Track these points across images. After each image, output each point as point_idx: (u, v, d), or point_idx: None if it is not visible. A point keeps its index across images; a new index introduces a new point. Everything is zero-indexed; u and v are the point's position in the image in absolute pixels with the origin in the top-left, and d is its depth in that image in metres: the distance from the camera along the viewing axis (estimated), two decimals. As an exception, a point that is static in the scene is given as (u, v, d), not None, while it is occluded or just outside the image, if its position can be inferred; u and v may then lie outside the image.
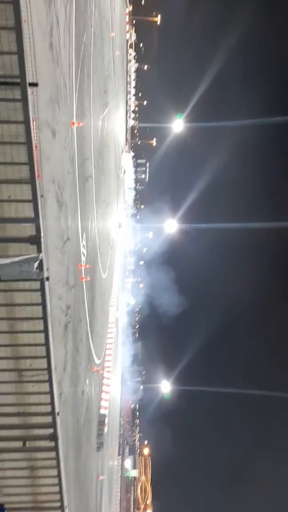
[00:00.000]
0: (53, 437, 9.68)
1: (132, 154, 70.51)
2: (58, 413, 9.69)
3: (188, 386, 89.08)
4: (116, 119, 46.60)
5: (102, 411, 26.96)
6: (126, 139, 72.07)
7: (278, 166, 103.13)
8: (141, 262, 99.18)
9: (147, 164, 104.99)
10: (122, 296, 64.68)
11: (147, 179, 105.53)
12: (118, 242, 49.32)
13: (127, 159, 61.48)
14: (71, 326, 15.92)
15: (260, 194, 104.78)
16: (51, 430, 9.71)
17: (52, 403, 9.51)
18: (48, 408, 9.58)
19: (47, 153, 12.03)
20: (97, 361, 24.37)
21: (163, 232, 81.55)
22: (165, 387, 69.62)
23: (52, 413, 9.60)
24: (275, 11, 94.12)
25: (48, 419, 9.65)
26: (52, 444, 9.77)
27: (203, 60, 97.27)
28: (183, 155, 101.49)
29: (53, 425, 9.64)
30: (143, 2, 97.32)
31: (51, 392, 9.44)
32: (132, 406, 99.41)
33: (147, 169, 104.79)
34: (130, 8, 75.51)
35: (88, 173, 21.02)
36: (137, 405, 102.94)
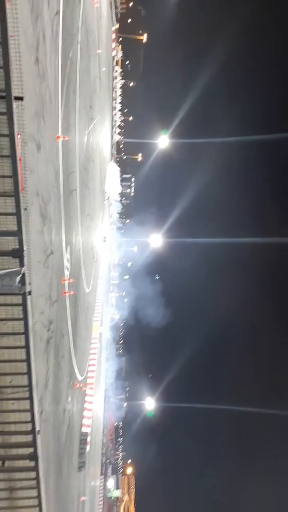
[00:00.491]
0: (33, 457, 9.40)
1: (118, 168, 71.05)
2: (38, 432, 9.44)
3: (173, 403, 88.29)
4: (102, 134, 46.98)
5: (84, 429, 26.41)
6: (112, 153, 72.58)
7: (263, 182, 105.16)
8: (126, 277, 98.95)
9: (133, 179, 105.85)
10: (106, 311, 64.20)
11: (132, 194, 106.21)
12: (103, 256, 49.17)
13: (113, 169, 61.62)
14: (53, 342, 15.65)
15: (245, 209, 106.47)
16: (31, 450, 9.44)
17: (32, 421, 9.27)
18: (28, 427, 9.33)
19: (31, 166, 11.99)
20: (80, 378, 23.96)
21: (148, 247, 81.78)
22: (149, 404, 68.78)
23: (33, 431, 9.34)
24: (260, 31, 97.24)
25: (28, 438, 9.38)
26: (32, 464, 9.49)
27: (188, 78, 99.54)
28: (168, 171, 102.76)
29: (33, 444, 9.38)
30: (129, 21, 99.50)
31: (31, 410, 9.21)
32: (115, 424, 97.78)
33: (133, 184, 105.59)
34: (117, 26, 76.91)
35: (73, 187, 21.01)
36: (121, 423, 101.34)
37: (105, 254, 54.92)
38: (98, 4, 35.63)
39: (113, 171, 60.82)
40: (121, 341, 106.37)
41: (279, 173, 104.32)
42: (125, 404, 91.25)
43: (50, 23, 14.15)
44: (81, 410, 26.22)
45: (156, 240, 74.27)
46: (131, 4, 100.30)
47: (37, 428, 9.37)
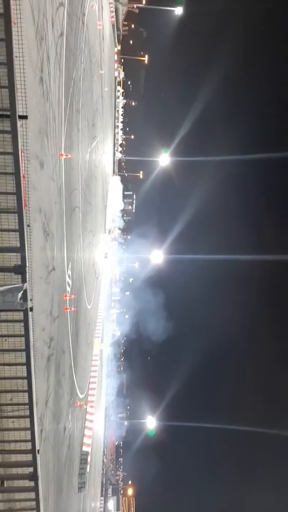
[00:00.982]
0: (33, 477, 9.23)
1: (120, 185, 71.78)
2: (38, 451, 9.29)
3: (174, 421, 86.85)
4: (104, 152, 47.54)
5: (85, 448, 25.94)
6: (114, 171, 73.31)
7: (261, 200, 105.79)
8: (127, 293, 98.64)
9: (134, 196, 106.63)
10: (107, 327, 63.84)
11: (133, 210, 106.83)
12: (104, 272, 49.16)
13: (115, 184, 61.96)
14: (54, 359, 15.53)
15: (245, 226, 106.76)
16: (30, 469, 9.27)
17: (32, 440, 9.13)
18: (28, 446, 9.19)
19: (34, 183, 12.11)
20: (81, 395, 23.68)
21: (149, 263, 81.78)
22: (151, 422, 67.65)
23: (33, 451, 9.19)
24: (258, 53, 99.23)
25: (28, 457, 9.23)
26: (32, 484, 9.31)
27: (187, 98, 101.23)
28: (169, 188, 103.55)
29: (33, 463, 9.22)
30: (131, 42, 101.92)
31: (31, 429, 9.08)
32: (116, 443, 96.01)
33: (134, 201, 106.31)
34: (119, 47, 78.70)
35: (75, 204, 21.16)
36: (121, 442, 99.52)
37: (107, 270, 54.93)
38: (100, 27, 36.53)
39: (115, 186, 61.30)
40: (122, 358, 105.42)
41: (277, 191, 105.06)
42: (126, 423, 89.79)
43: (54, 44, 14.49)
44: (81, 428, 25.82)
45: (157, 256, 74.35)
46: (132, 26, 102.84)
47: (37, 447, 9.22)
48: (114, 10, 56.20)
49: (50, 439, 15.16)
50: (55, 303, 15.45)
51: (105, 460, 64.93)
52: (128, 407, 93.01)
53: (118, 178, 68.77)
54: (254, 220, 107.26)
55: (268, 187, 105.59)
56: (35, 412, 8.98)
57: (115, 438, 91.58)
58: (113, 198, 58.00)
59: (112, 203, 57.49)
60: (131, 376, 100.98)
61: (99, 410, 45.03)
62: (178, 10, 62.44)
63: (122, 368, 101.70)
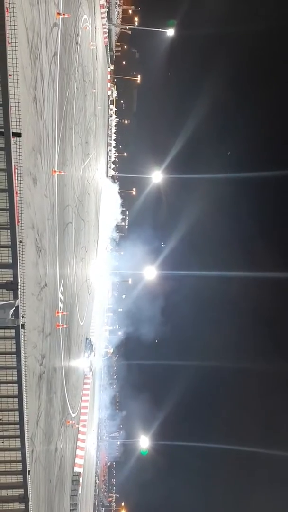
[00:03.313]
0: (24, 499, 8.98)
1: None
2: (29, 472, 9.06)
3: (168, 441, 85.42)
4: (97, 169, 47.90)
5: (77, 469, 25.36)
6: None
7: (253, 218, 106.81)
8: (120, 309, 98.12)
9: (127, 213, 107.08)
10: (100, 345, 63.20)
11: (126, 226, 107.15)
12: (97, 288, 48.93)
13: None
14: (46, 377, 15.30)
15: (236, 244, 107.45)
16: (21, 491, 9.02)
17: (23, 461, 8.92)
18: (18, 466, 8.97)
19: (27, 199, 12.14)
20: (72, 414, 23.26)
21: (142, 279, 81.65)
22: (144, 442, 66.43)
23: (23, 472, 8.97)
24: (248, 74, 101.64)
25: (19, 478, 9.00)
26: (22, 506, 9.05)
27: (179, 116, 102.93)
28: (161, 205, 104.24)
29: (24, 485, 8.98)
30: (124, 63, 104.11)
31: (22, 449, 8.88)
32: (109, 463, 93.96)
33: (127, 217, 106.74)
34: (112, 67, 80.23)
35: (68, 220, 21.19)
36: (114, 463, 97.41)
37: (99, 286, 54.69)
38: (94, 47, 37.26)
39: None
40: (115, 376, 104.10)
41: (268, 209, 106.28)
42: (118, 443, 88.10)
43: (48, 64, 14.73)
44: (73, 449, 25.28)
45: (150, 272, 74.25)
46: (125, 47, 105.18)
47: (28, 468, 9.00)
48: (107, 31, 57.44)
49: (41, 460, 14.81)
50: (47, 319, 15.30)
51: (97, 481, 63.39)
52: (121, 426, 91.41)
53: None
54: (246, 238, 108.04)
55: (259, 205, 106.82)
56: (26, 432, 8.79)
57: (107, 459, 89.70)
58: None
59: (106, 212, 57.38)
60: (124, 394, 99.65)
61: (91, 430, 44.20)
62: (170, 32, 64.04)
63: (115, 386, 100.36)
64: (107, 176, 67.40)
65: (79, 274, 26.94)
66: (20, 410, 8.63)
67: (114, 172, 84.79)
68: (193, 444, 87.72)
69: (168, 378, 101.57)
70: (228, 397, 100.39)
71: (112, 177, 76.20)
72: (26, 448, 8.91)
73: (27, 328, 11.87)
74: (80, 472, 25.27)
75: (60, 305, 18.35)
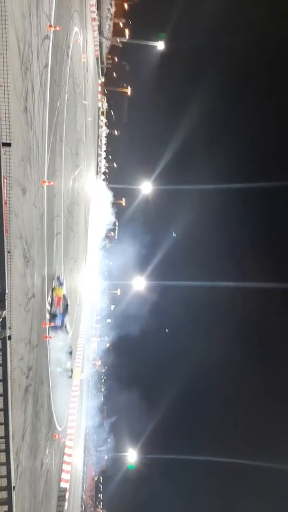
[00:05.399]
0: (7, 517, 8.74)
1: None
2: (14, 488, 8.84)
3: (156, 454, 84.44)
4: (87, 180, 47.97)
5: (63, 485, 24.83)
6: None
7: (242, 228, 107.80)
8: (108, 320, 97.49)
9: (117, 223, 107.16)
10: (88, 357, 62.62)
11: (116, 237, 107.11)
12: (86, 299, 48.63)
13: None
14: (32, 390, 15.04)
15: (226, 254, 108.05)
16: (5, 508, 8.78)
17: (8, 476, 8.71)
18: (3, 482, 8.75)
19: (16, 210, 12.06)
20: (59, 428, 22.86)
21: (131, 289, 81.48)
22: (132, 456, 65.54)
23: (8, 487, 8.75)
24: (238, 87, 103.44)
25: (3, 495, 8.77)
26: (5, 525, 8.80)
27: (169, 128, 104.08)
28: (151, 215, 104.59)
29: (8, 501, 8.75)
30: (114, 75, 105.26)
31: (7, 464, 8.68)
32: (96, 478, 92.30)
33: (117, 227, 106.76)
34: (103, 79, 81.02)
35: (57, 230, 21.10)
36: (101, 477, 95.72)
37: (88, 297, 54.38)
38: (85, 59, 37.61)
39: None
40: (103, 388, 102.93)
41: (258, 220, 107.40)
42: (106, 457, 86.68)
43: (39, 75, 14.79)
44: (59, 463, 24.79)
45: (139, 283, 74.20)
46: (116, 59, 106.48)
47: (13, 483, 8.78)
48: (98, 44, 58.14)
49: (26, 475, 14.48)
50: (34, 331, 15.10)
51: (84, 496, 62.17)
52: (108, 440, 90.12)
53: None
54: (236, 248, 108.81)
55: (249, 216, 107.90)
56: (11, 446, 8.60)
57: (94, 473, 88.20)
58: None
59: (96, 223, 57.12)
60: (111, 407, 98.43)
61: (79, 443, 43.52)
62: (160, 45, 65.06)
63: (102, 398, 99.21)
64: (97, 186, 67.52)
65: (67, 285, 26.75)
66: (6, 424, 8.45)
67: (104, 183, 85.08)
68: (181, 457, 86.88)
69: (157, 389, 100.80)
70: (218, 407, 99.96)
71: (102, 187, 76.44)
72: (12, 464, 8.70)
73: (14, 340, 11.70)
74: (66, 488, 24.75)
75: (48, 316, 18.16)
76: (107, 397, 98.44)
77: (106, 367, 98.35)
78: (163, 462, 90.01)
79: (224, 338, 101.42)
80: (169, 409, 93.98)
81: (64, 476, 25.53)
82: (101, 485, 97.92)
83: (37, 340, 15.55)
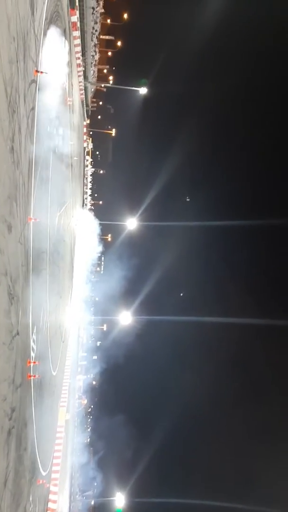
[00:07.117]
0: None
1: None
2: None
3: (145, 498, 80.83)
4: (73, 217, 48.43)
5: (47, 535, 23.48)
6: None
7: (225, 264, 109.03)
8: (95, 357, 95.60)
9: (102, 258, 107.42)
10: (74, 396, 60.79)
11: (102, 272, 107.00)
12: (71, 335, 47.85)
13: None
14: (15, 432, 14.52)
15: (211, 289, 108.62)
16: None
17: (-12, 526, 8.27)
18: (-18, 533, 8.29)
19: (1, 246, 12.12)
20: (43, 473, 21.89)
21: (117, 325, 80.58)
22: (119, 500, 62.44)
23: (-13, 539, 8.28)
24: (222, 125, 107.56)
25: None
26: None
27: (153, 167, 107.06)
28: (136, 250, 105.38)
29: None
30: (99, 117, 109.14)
31: (-13, 512, 8.26)
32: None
33: (103, 263, 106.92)
34: (88, 121, 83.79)
35: (42, 266, 21.09)
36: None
37: (74, 333, 53.50)
38: (70, 102, 39.02)
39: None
40: (89, 428, 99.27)
41: (244, 257, 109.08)
42: (92, 502, 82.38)
43: (26, 117, 15.30)
44: (43, 510, 23.51)
45: (125, 318, 73.50)
46: (101, 103, 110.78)
47: (-7, 534, 8.33)
48: (83, 88, 60.50)
49: (7, 525, 13.70)
50: (18, 370, 14.77)
51: None
52: (95, 484, 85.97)
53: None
54: (220, 284, 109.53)
55: (235, 253, 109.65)
56: (-8, 493, 8.23)
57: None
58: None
59: (81, 258, 57.09)
60: (98, 447, 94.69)
61: (64, 489, 41.45)
62: (143, 90, 68.02)
63: (88, 439, 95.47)
64: (82, 223, 68.16)
65: (52, 321, 26.41)
66: (-13, 468, 8.12)
67: (90, 219, 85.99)
68: (170, 501, 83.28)
69: (145, 428, 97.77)
70: (205, 445, 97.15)
71: (88, 223, 77.22)
72: (-8, 512, 8.29)
73: (-3, 379, 11.42)
74: (50, 538, 23.38)
75: (32, 354, 17.81)
76: (93, 437, 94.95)
77: (92, 406, 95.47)
78: (153, 506, 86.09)
79: (210, 375, 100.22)
80: (157, 449, 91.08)
81: (48, 525, 24.17)
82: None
83: (21, 379, 15.19)
